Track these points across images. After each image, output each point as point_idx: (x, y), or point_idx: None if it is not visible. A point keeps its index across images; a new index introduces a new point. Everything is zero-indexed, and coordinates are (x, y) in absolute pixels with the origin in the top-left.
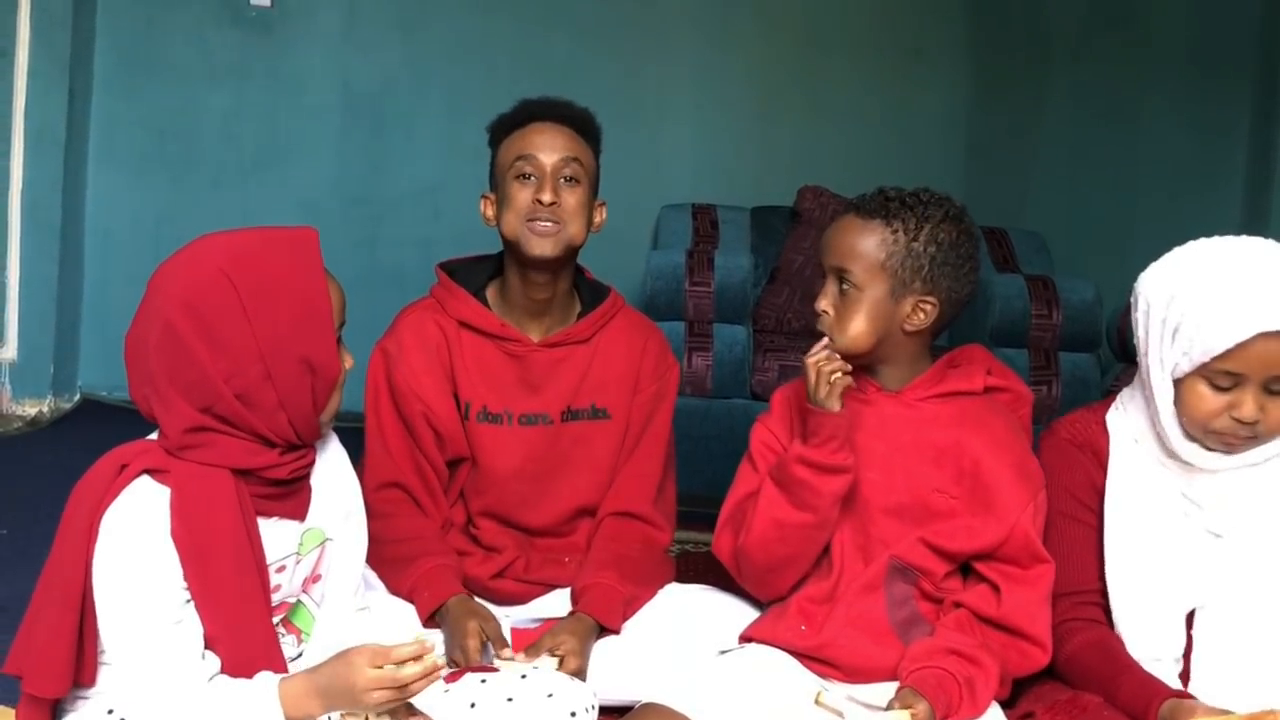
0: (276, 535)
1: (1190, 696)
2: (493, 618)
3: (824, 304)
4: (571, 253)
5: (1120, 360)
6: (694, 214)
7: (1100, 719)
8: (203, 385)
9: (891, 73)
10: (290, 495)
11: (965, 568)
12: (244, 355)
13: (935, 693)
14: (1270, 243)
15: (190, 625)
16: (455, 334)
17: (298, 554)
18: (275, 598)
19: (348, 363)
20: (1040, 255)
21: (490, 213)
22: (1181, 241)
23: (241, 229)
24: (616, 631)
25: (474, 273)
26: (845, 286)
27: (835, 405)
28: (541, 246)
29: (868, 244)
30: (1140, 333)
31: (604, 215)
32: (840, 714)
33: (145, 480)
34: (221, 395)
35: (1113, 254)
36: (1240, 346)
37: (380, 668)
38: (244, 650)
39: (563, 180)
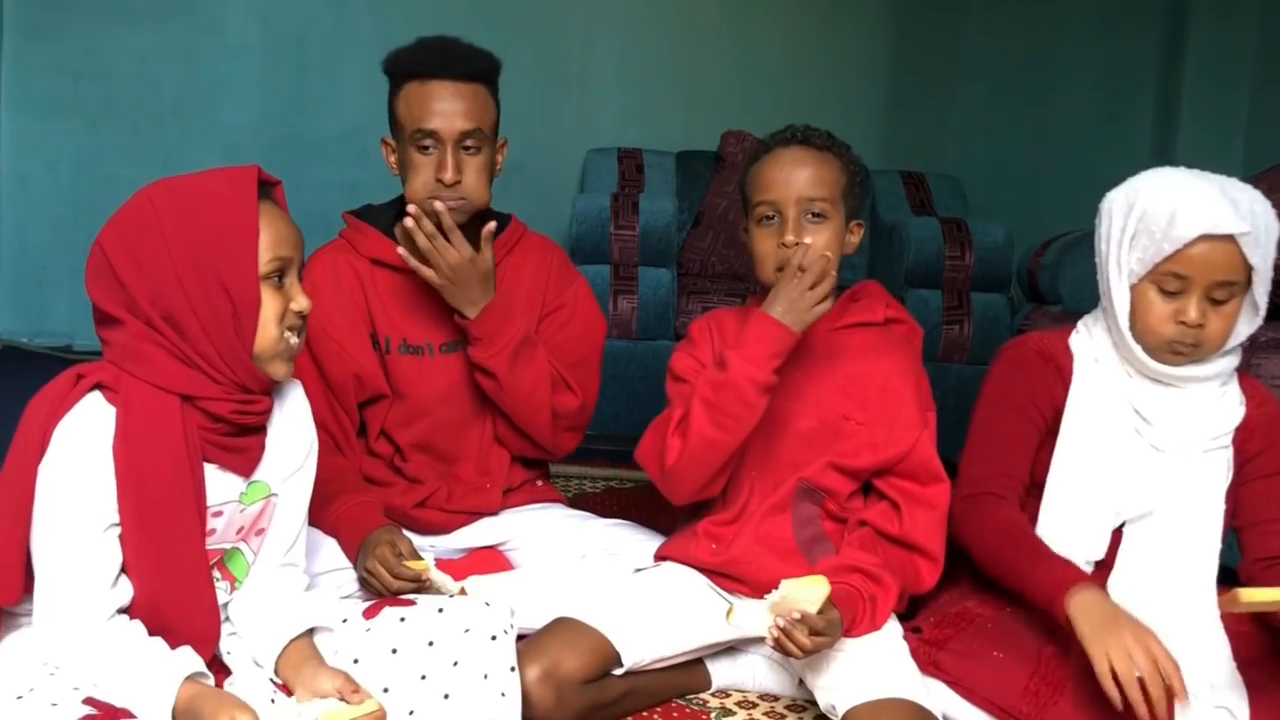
0: (219, 480)
1: (1101, 591)
2: (405, 537)
3: (791, 236)
4: (477, 214)
5: (1030, 301)
6: (620, 158)
7: (984, 632)
8: (131, 307)
9: (815, 20)
10: (239, 450)
11: (867, 487)
12: (162, 276)
13: (843, 607)
14: (1224, 177)
15: (109, 550)
16: (368, 272)
17: (239, 503)
18: (209, 541)
19: (300, 303)
20: (956, 199)
21: (393, 160)
22: (1090, 187)
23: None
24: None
25: (382, 212)
26: (815, 216)
27: (803, 327)
28: (446, 219)
29: (829, 172)
30: (1101, 246)
31: (505, 153)
32: (752, 631)
33: (96, 395)
34: (150, 317)
35: (1026, 198)
36: (1186, 247)
37: None
38: (170, 580)
39: (464, 151)
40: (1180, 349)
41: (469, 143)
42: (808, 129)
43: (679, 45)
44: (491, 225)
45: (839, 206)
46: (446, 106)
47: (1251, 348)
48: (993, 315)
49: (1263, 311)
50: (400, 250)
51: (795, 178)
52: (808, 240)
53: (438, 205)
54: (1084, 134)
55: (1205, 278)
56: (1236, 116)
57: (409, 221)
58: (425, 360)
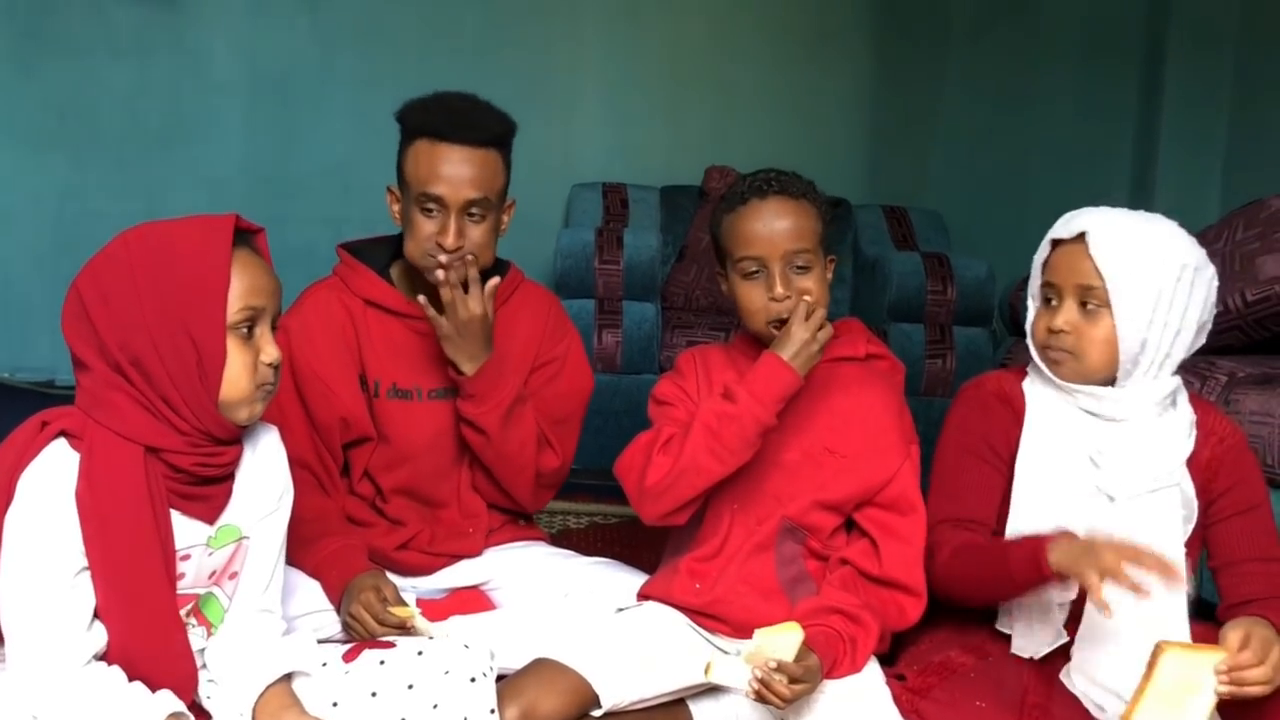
0: (185, 525)
1: (1071, 535)
2: (390, 581)
3: (781, 289)
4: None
5: (1012, 334)
6: (604, 193)
7: (967, 681)
8: (101, 350)
9: (797, 55)
10: (202, 499)
11: (849, 523)
12: (131, 320)
13: (823, 649)
14: (1160, 216)
15: (81, 595)
16: (361, 312)
17: (207, 547)
18: (180, 585)
19: (269, 355)
20: (938, 234)
21: (396, 209)
22: None
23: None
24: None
25: (377, 251)
26: (801, 268)
27: (807, 371)
28: (472, 270)
29: (808, 221)
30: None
31: (512, 213)
32: (732, 683)
33: (60, 442)
34: (119, 362)
35: (1008, 232)
36: (1049, 256)
37: None
38: (140, 626)
39: (468, 218)
40: (1053, 355)
41: (474, 210)
42: (780, 175)
43: (663, 81)
44: (495, 281)
45: (819, 253)
46: (454, 173)
47: (1229, 383)
48: (975, 349)
49: (1140, 328)
50: (421, 298)
51: (777, 231)
52: (800, 289)
53: (467, 259)
54: (1064, 168)
55: (1068, 282)
56: (1214, 148)
57: (441, 273)
58: (413, 405)
